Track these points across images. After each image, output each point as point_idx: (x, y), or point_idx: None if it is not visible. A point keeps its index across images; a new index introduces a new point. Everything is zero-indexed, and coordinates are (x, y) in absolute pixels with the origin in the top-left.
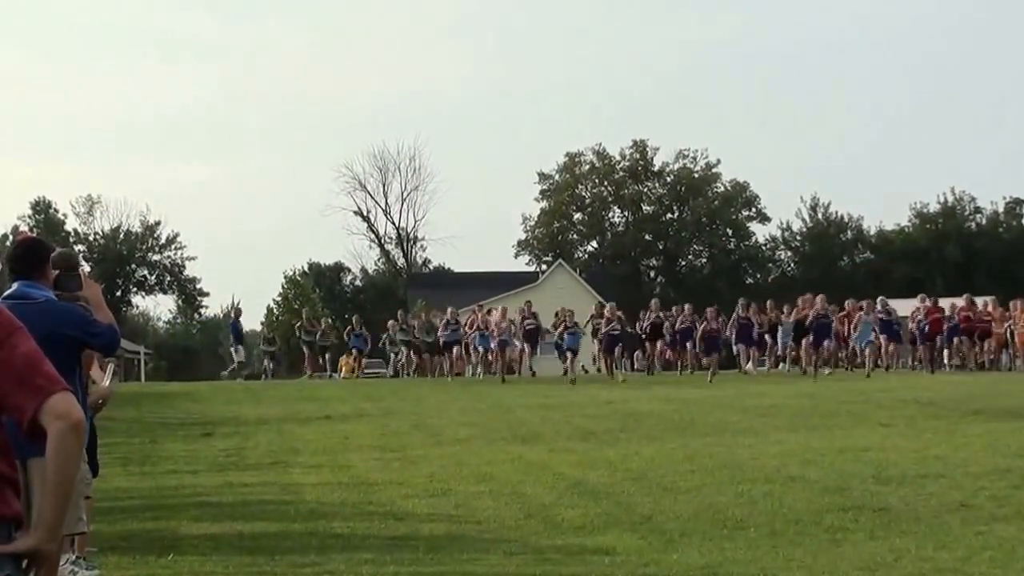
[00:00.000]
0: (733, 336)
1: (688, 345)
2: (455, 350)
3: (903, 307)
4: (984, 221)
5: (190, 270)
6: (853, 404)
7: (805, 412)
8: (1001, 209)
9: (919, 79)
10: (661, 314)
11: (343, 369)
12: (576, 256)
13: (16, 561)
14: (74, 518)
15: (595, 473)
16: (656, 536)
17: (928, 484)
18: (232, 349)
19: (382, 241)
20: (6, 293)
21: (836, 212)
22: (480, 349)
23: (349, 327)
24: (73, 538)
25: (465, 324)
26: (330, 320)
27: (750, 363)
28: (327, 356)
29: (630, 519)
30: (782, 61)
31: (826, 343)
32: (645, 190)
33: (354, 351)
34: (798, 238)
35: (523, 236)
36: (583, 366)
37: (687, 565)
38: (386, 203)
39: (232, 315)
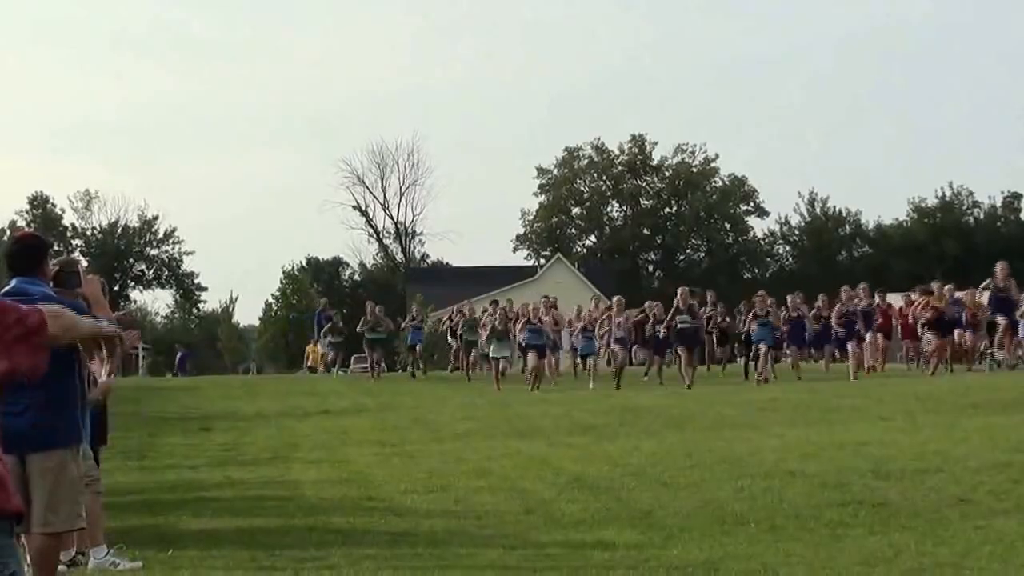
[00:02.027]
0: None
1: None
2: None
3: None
4: (982, 215)
5: (188, 265)
6: (852, 399)
7: (804, 406)
8: (999, 203)
9: (918, 73)
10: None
11: (310, 357)
12: (574, 250)
13: (19, 557)
14: (73, 514)
15: (594, 468)
16: (656, 531)
17: (927, 479)
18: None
19: (380, 236)
20: (4, 290)
21: (834, 207)
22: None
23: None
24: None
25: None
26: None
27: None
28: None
29: (629, 514)
30: (780, 56)
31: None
32: (644, 184)
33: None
34: (796, 232)
35: (521, 231)
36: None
37: (687, 560)
38: (384, 198)
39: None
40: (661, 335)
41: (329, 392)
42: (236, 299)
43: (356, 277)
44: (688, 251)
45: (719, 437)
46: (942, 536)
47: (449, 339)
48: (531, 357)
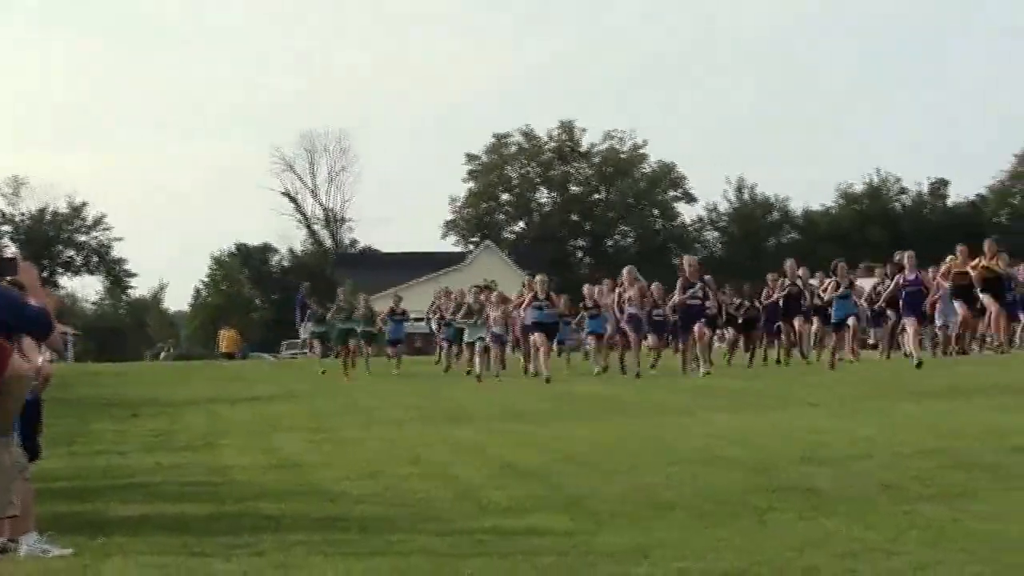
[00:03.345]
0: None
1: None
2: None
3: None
4: (909, 202)
5: (117, 251)
6: (784, 385)
7: (736, 393)
8: (926, 190)
9: (845, 60)
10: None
11: (223, 343)
12: (503, 237)
13: None
14: (4, 502)
15: (526, 454)
16: (586, 517)
17: (856, 464)
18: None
19: (310, 222)
20: None
21: (762, 193)
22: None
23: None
24: (4, 521)
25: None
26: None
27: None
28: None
29: (560, 500)
30: (709, 41)
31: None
32: (572, 171)
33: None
34: (725, 219)
35: (451, 217)
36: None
37: (616, 546)
38: (314, 184)
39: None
40: (663, 316)
41: (260, 379)
42: (166, 285)
43: (285, 263)
44: (617, 237)
45: (651, 423)
46: (871, 521)
47: (433, 327)
48: (539, 338)
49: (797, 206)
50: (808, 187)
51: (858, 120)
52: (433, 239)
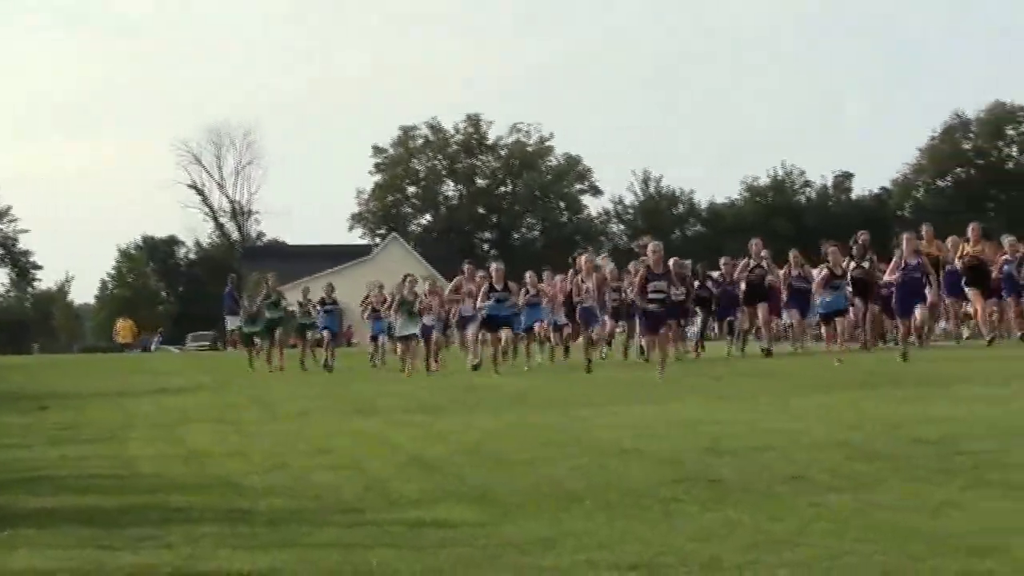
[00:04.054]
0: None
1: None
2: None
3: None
4: (814, 195)
5: (23, 243)
6: (690, 376)
7: (641, 384)
8: (830, 183)
9: (749, 55)
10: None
11: (120, 334)
12: (410, 229)
13: None
14: None
15: (432, 446)
16: (492, 509)
17: (762, 456)
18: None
19: (216, 214)
20: None
21: (668, 186)
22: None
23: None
24: None
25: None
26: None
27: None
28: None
29: (466, 492)
30: (614, 35)
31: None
32: (479, 164)
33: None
34: (630, 211)
35: (357, 209)
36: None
37: (523, 538)
38: (221, 177)
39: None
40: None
41: (167, 371)
42: (72, 278)
43: (191, 256)
44: (523, 230)
45: (556, 415)
46: (776, 513)
47: (365, 320)
48: (504, 332)
49: (702, 199)
50: (713, 180)
51: (763, 114)
52: (340, 232)
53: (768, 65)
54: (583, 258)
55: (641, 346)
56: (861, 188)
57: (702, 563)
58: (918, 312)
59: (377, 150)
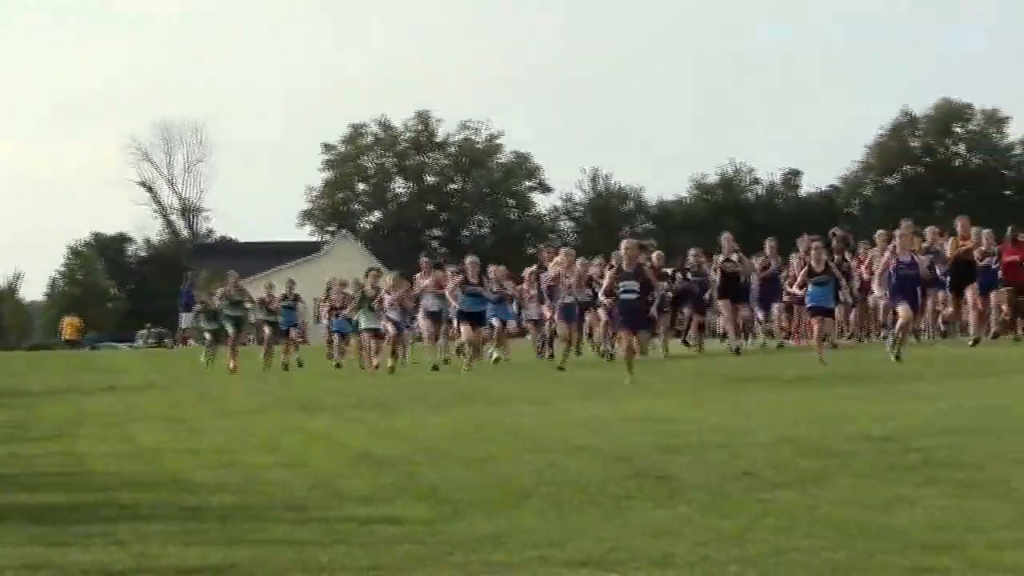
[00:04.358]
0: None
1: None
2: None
3: None
4: (762, 192)
5: None
6: (638, 374)
7: (590, 381)
8: (778, 180)
9: (698, 53)
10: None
11: (66, 330)
12: (359, 226)
13: None
14: None
15: (382, 443)
16: (443, 506)
17: (711, 453)
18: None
19: (166, 212)
20: None
21: (617, 183)
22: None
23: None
24: None
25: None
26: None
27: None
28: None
29: (417, 489)
30: (563, 32)
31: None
32: (428, 161)
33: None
34: (580, 208)
35: (307, 206)
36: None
37: (474, 535)
38: (171, 174)
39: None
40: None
41: (117, 368)
42: (21, 275)
43: (142, 253)
44: (473, 227)
45: (507, 412)
46: (726, 509)
47: (324, 320)
48: (465, 329)
49: (652, 197)
50: (663, 178)
51: (712, 112)
52: (289, 229)
53: (717, 64)
54: (562, 252)
55: (608, 348)
56: (809, 186)
57: (653, 559)
58: (901, 310)
59: (327, 147)
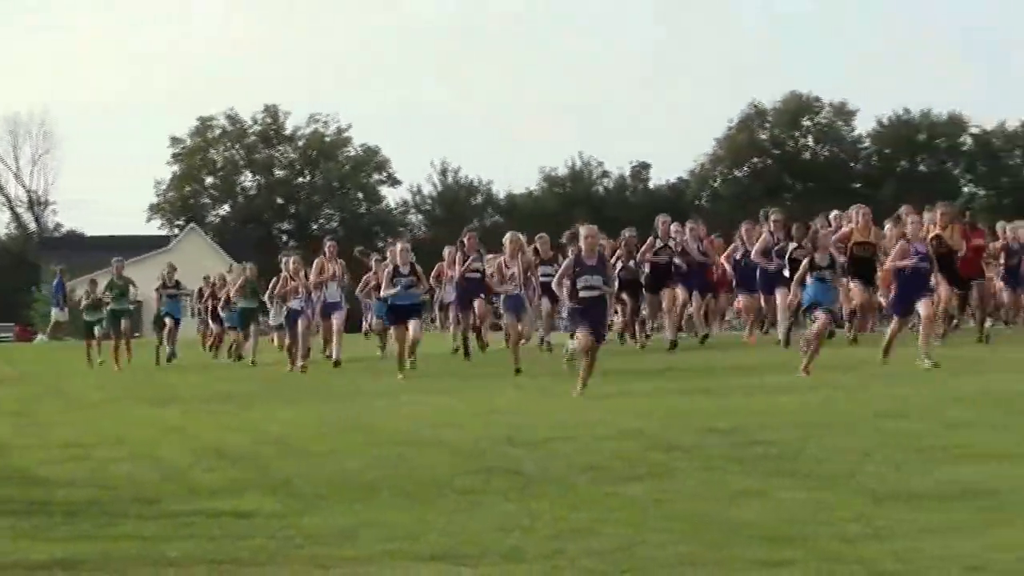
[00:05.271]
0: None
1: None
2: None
3: None
4: (611, 185)
5: None
6: (487, 367)
7: (438, 374)
8: (628, 173)
9: (547, 44)
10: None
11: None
12: (208, 220)
13: None
14: None
15: (232, 436)
16: (293, 500)
17: (560, 446)
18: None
19: (13, 205)
20: None
21: (466, 176)
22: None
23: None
24: None
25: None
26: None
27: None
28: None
29: (267, 483)
30: (408, 24)
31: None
32: (277, 154)
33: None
34: (429, 201)
35: (155, 200)
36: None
37: (324, 528)
38: (17, 167)
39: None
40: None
41: None
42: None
43: None
44: (321, 220)
45: (356, 406)
46: (575, 502)
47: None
48: (412, 324)
49: (500, 189)
50: (512, 171)
51: (560, 104)
52: (138, 222)
53: (566, 54)
54: (507, 237)
55: (572, 350)
56: (659, 178)
57: (503, 553)
58: (923, 309)
59: (175, 140)
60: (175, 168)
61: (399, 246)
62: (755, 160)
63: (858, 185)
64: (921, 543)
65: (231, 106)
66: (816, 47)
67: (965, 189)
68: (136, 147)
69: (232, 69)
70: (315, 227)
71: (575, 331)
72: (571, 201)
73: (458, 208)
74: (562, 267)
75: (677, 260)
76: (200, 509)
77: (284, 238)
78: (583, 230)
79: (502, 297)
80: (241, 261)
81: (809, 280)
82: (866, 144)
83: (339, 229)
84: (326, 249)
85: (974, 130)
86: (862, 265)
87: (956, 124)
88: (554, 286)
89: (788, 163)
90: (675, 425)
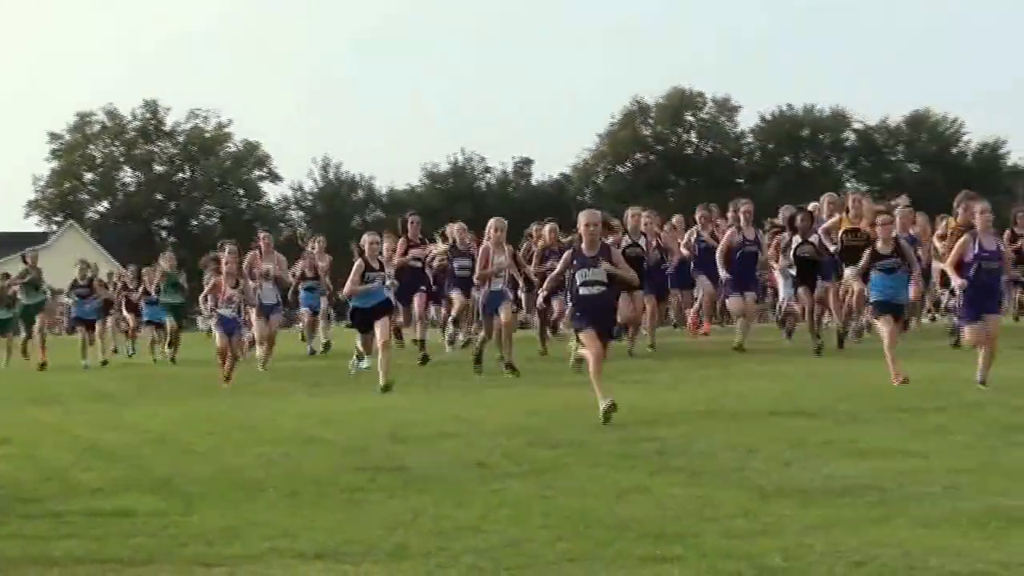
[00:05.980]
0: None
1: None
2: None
3: None
4: (494, 181)
5: None
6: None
7: (317, 372)
8: (510, 169)
9: (430, 38)
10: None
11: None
12: (87, 216)
13: None
14: None
15: (113, 435)
16: (176, 498)
17: (445, 443)
18: None
19: None
20: None
21: (348, 172)
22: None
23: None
24: None
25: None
26: None
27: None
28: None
29: (149, 481)
30: (296, 22)
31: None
32: (157, 150)
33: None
34: (310, 198)
35: (33, 196)
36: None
37: (207, 527)
38: None
39: None
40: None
41: None
42: None
43: None
44: (202, 217)
45: (239, 404)
46: (460, 499)
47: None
48: (379, 324)
49: (382, 185)
50: (394, 167)
51: (443, 100)
52: (16, 219)
53: (448, 51)
54: (492, 224)
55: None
56: (541, 174)
57: (388, 551)
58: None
59: (53, 136)
60: (54, 164)
61: (366, 239)
62: (638, 156)
63: (741, 180)
64: (807, 539)
65: (110, 101)
66: (699, 42)
67: (848, 184)
68: (13, 143)
69: (111, 64)
70: (195, 223)
71: (578, 334)
72: (453, 197)
73: (339, 204)
74: (560, 262)
75: (653, 257)
76: (82, 508)
77: (164, 234)
78: (583, 217)
79: (482, 292)
80: (120, 259)
81: (874, 273)
82: (749, 140)
83: (219, 225)
84: (261, 244)
85: (857, 126)
86: (854, 254)
87: (839, 120)
88: (546, 285)
89: (671, 159)
90: (563, 421)
